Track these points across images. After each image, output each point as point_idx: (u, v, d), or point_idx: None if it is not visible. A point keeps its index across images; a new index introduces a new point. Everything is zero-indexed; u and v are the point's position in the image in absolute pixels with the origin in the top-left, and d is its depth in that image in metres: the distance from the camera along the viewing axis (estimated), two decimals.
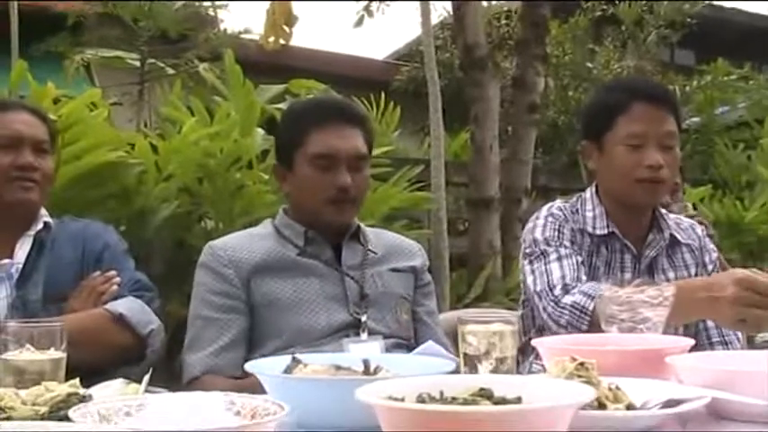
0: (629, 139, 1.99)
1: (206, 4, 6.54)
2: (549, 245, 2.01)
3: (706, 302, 1.70)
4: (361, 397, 0.93)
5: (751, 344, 2.26)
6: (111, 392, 1.27)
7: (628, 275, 2.02)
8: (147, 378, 1.31)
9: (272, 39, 4.51)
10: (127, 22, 5.60)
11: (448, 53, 8.45)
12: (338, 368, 1.26)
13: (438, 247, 4.58)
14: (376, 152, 2.99)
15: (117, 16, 5.61)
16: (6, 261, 1.96)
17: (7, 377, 1.30)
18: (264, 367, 1.28)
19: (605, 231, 2.05)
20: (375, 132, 2.32)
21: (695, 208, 4.44)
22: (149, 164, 3.37)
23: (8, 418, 1.08)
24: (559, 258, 1.98)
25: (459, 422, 0.85)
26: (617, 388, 1.14)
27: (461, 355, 1.32)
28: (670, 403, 1.10)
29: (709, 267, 2.14)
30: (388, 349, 1.85)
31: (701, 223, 2.49)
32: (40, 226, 2.02)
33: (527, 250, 2.05)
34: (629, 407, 1.12)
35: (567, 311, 1.87)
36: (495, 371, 1.28)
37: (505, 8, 8.41)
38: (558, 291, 1.91)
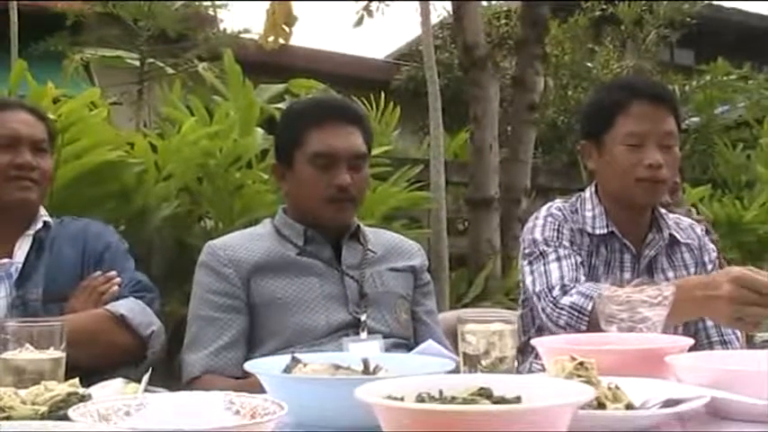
0: (629, 139, 1.99)
1: (206, 3, 6.53)
2: (548, 245, 2.01)
3: (703, 301, 1.70)
4: (361, 396, 0.93)
5: (750, 343, 2.25)
6: (111, 392, 1.27)
7: (627, 275, 2.02)
8: (146, 378, 1.31)
9: (271, 38, 4.51)
10: (126, 22, 5.59)
11: (447, 53, 8.46)
12: (338, 368, 1.26)
13: (437, 246, 4.58)
14: (375, 152, 3.00)
15: (116, 16, 5.60)
16: (6, 260, 1.96)
17: (7, 377, 1.30)
18: (264, 367, 1.28)
19: (605, 231, 2.05)
20: (374, 132, 2.32)
21: (698, 212, 4.44)
22: (149, 163, 3.37)
23: (8, 418, 1.08)
24: (558, 259, 1.98)
25: (458, 422, 0.85)
26: (616, 387, 1.14)
27: (461, 355, 1.32)
28: (669, 403, 1.10)
29: (709, 267, 2.14)
30: (387, 349, 1.86)
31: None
32: (40, 225, 2.02)
33: (526, 250, 2.05)
34: (629, 406, 1.12)
35: (565, 312, 1.87)
36: (494, 370, 1.28)
37: (505, 8, 8.43)
38: (556, 292, 1.91)
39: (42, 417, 1.10)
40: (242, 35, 5.79)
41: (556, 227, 2.04)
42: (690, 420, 1.15)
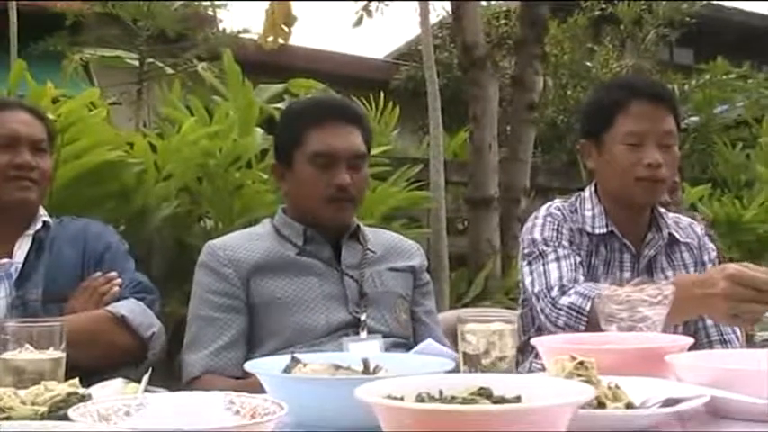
0: (629, 138, 1.99)
1: (205, 3, 6.52)
2: (547, 245, 2.01)
3: (700, 298, 1.71)
4: (361, 396, 0.93)
5: (750, 342, 2.26)
6: (111, 392, 1.27)
7: (627, 274, 2.02)
8: (146, 378, 1.31)
9: (270, 38, 4.50)
10: (126, 22, 5.59)
11: (447, 52, 8.46)
12: (337, 367, 1.26)
13: (437, 246, 4.58)
14: (375, 151, 3.00)
15: (116, 16, 5.60)
16: (5, 260, 1.95)
17: (7, 377, 1.30)
18: (264, 367, 1.28)
19: (604, 230, 2.05)
20: (374, 132, 2.32)
21: (697, 211, 4.44)
22: (148, 163, 3.37)
23: (7, 418, 1.08)
24: (557, 259, 1.98)
25: (458, 421, 0.85)
26: (616, 387, 1.14)
27: (461, 354, 1.32)
28: (669, 402, 1.10)
29: (708, 266, 2.14)
30: (387, 348, 1.86)
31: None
32: (39, 225, 2.01)
33: (525, 251, 2.05)
34: (629, 406, 1.12)
35: (563, 313, 1.87)
36: (494, 370, 1.28)
37: (504, 8, 8.42)
38: (555, 292, 1.91)
39: (42, 417, 1.09)
40: (241, 35, 5.78)
41: (555, 227, 2.04)
42: (690, 420, 1.15)
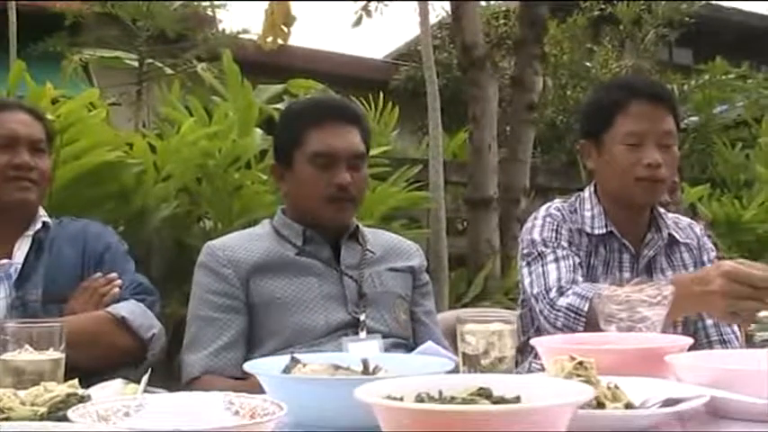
0: (628, 138, 1.99)
1: (204, 3, 6.52)
2: (546, 246, 2.01)
3: (698, 296, 1.71)
4: (360, 396, 0.93)
5: (750, 343, 2.25)
6: (110, 393, 1.27)
7: (626, 275, 2.02)
8: (145, 378, 1.31)
9: (270, 39, 4.50)
10: (125, 22, 5.59)
11: (446, 53, 8.46)
12: (337, 368, 1.26)
13: (437, 246, 4.58)
14: (374, 152, 3.00)
15: (115, 16, 5.60)
16: (5, 261, 1.95)
17: (6, 377, 1.30)
18: (263, 367, 1.28)
19: (604, 231, 2.05)
20: (373, 132, 2.32)
21: (696, 211, 4.43)
22: (148, 164, 3.37)
23: (7, 419, 1.08)
24: (556, 260, 1.98)
25: (458, 422, 0.85)
26: (616, 387, 1.14)
27: (460, 355, 1.32)
28: (669, 402, 1.10)
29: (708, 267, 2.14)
30: (386, 349, 1.86)
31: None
32: (39, 226, 2.01)
33: (525, 251, 2.05)
34: (628, 406, 1.12)
35: (562, 314, 1.87)
36: (493, 370, 1.28)
37: (503, 8, 8.42)
38: (553, 293, 1.91)
39: (42, 418, 1.09)
40: (241, 35, 5.79)
41: (554, 227, 2.04)
42: (689, 420, 1.15)
